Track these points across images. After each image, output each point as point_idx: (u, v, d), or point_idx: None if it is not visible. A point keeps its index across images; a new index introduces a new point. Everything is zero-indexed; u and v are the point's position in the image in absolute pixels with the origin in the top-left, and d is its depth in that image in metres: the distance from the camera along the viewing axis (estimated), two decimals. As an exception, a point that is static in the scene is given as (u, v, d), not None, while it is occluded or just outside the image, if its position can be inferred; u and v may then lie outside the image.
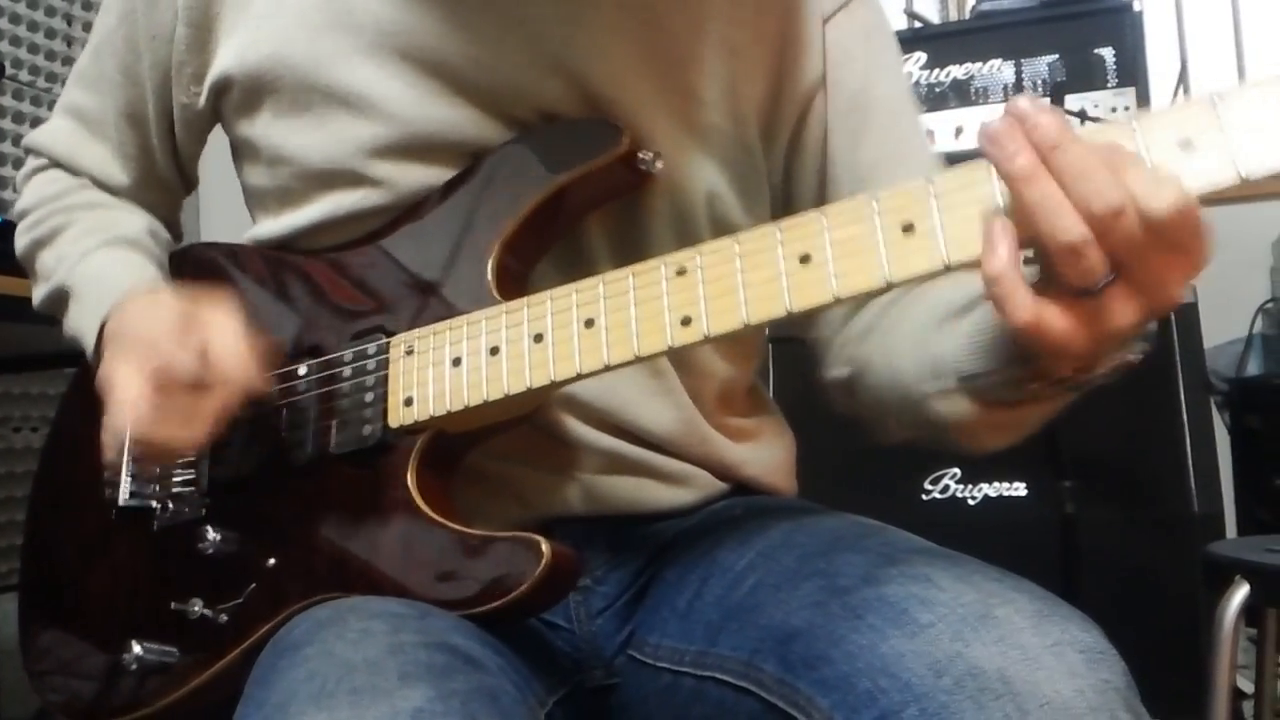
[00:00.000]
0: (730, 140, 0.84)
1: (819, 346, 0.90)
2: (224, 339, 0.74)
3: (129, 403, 0.72)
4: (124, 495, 0.84)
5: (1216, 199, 0.55)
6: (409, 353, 0.75)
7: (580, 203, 0.79)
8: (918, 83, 2.09)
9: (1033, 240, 0.55)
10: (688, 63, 0.81)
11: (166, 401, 0.72)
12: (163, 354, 0.73)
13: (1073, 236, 0.53)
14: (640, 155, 0.77)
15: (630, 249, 0.80)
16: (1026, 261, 0.57)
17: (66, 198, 0.94)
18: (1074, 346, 0.56)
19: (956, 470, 1.87)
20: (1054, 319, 0.55)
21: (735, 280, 0.63)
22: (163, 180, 0.96)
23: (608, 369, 0.67)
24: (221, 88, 0.86)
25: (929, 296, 0.79)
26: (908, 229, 0.59)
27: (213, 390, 0.73)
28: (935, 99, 2.08)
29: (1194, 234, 0.54)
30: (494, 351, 0.71)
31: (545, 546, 0.67)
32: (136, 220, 0.93)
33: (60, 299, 0.88)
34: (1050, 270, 0.56)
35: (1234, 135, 0.53)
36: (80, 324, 0.86)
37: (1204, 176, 0.54)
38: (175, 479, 0.83)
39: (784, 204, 0.88)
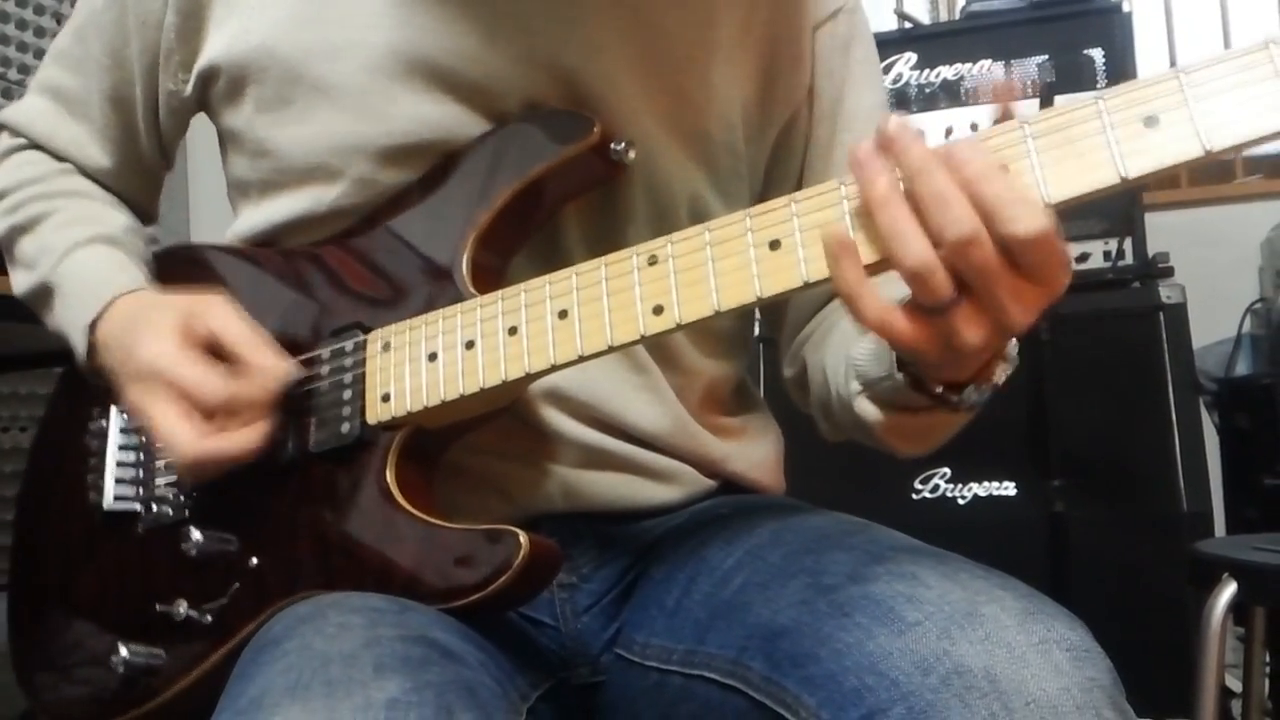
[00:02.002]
0: (716, 143, 0.84)
1: (782, 347, 0.93)
2: (232, 328, 0.75)
3: (181, 443, 0.73)
4: (109, 498, 0.83)
5: (1204, 200, 0.55)
6: (386, 349, 0.75)
7: (554, 194, 0.79)
8: (908, 83, 2.10)
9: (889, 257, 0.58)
10: (678, 64, 0.81)
11: (208, 422, 0.73)
12: (187, 381, 0.73)
13: (915, 261, 0.56)
14: (612, 145, 0.77)
15: (610, 247, 0.80)
16: None
17: (47, 182, 0.93)
18: (924, 354, 0.60)
19: (946, 470, 1.88)
20: (901, 325, 0.59)
21: (706, 268, 0.64)
22: (144, 162, 0.95)
23: (582, 359, 0.68)
24: (208, 77, 0.85)
25: None
26: (856, 222, 0.60)
27: (248, 381, 0.73)
28: (925, 99, 2.09)
29: (1050, 262, 0.56)
30: (469, 345, 0.71)
31: (523, 538, 0.67)
32: (119, 215, 0.93)
33: (44, 295, 0.88)
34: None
35: (1198, 109, 0.54)
36: (65, 325, 0.85)
37: (1169, 152, 0.54)
38: (159, 481, 0.83)
39: None
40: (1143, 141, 0.54)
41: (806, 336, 0.89)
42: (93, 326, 0.82)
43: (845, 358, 0.77)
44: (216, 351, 0.75)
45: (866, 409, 0.75)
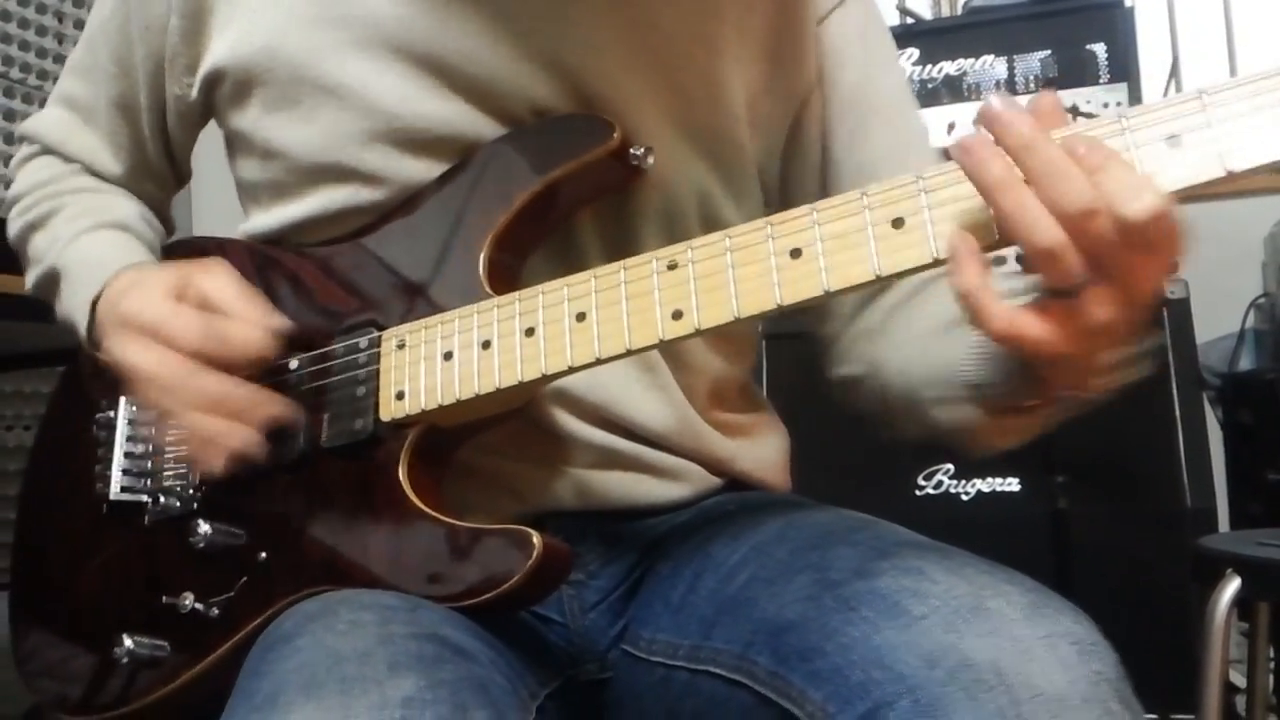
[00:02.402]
0: (721, 139, 0.84)
1: (827, 343, 0.91)
2: (224, 289, 0.75)
3: (162, 378, 0.73)
4: (115, 489, 0.83)
5: (1207, 194, 0.55)
6: (400, 347, 0.75)
7: (572, 197, 0.79)
8: (910, 79, 2.10)
9: (1011, 243, 0.56)
10: (680, 61, 0.81)
11: (195, 381, 0.73)
12: (159, 321, 0.74)
13: (1048, 241, 0.54)
14: (632, 150, 0.77)
15: (621, 245, 0.80)
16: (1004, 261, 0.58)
17: (59, 183, 0.94)
18: (1054, 348, 0.57)
19: (950, 466, 1.88)
20: (1029, 325, 0.57)
21: (726, 275, 0.64)
22: (154, 171, 0.96)
23: (599, 362, 0.68)
24: (214, 80, 0.85)
25: (937, 300, 0.80)
26: (897, 223, 0.60)
27: (230, 328, 0.74)
28: (928, 95, 2.09)
29: (1169, 234, 0.55)
30: (485, 345, 0.71)
31: (536, 539, 0.67)
32: (129, 205, 0.93)
33: (52, 281, 0.89)
34: (1029, 271, 0.57)
35: (1221, 131, 0.54)
36: (71, 305, 0.86)
37: (1191, 171, 0.54)
38: (167, 472, 0.83)
39: (783, 206, 0.88)
40: (1165, 161, 0.55)
41: (863, 332, 0.87)
42: (95, 304, 0.82)
43: (936, 363, 0.74)
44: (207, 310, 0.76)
45: (964, 413, 0.72)
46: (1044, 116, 0.56)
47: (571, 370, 0.68)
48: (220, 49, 0.84)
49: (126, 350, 0.75)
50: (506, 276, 0.76)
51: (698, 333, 0.64)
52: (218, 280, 0.76)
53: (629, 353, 0.67)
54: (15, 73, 1.99)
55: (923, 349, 0.77)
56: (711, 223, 0.83)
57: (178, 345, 0.73)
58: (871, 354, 0.84)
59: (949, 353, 0.73)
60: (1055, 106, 0.57)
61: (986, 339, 0.64)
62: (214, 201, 1.28)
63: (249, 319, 0.74)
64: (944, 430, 0.75)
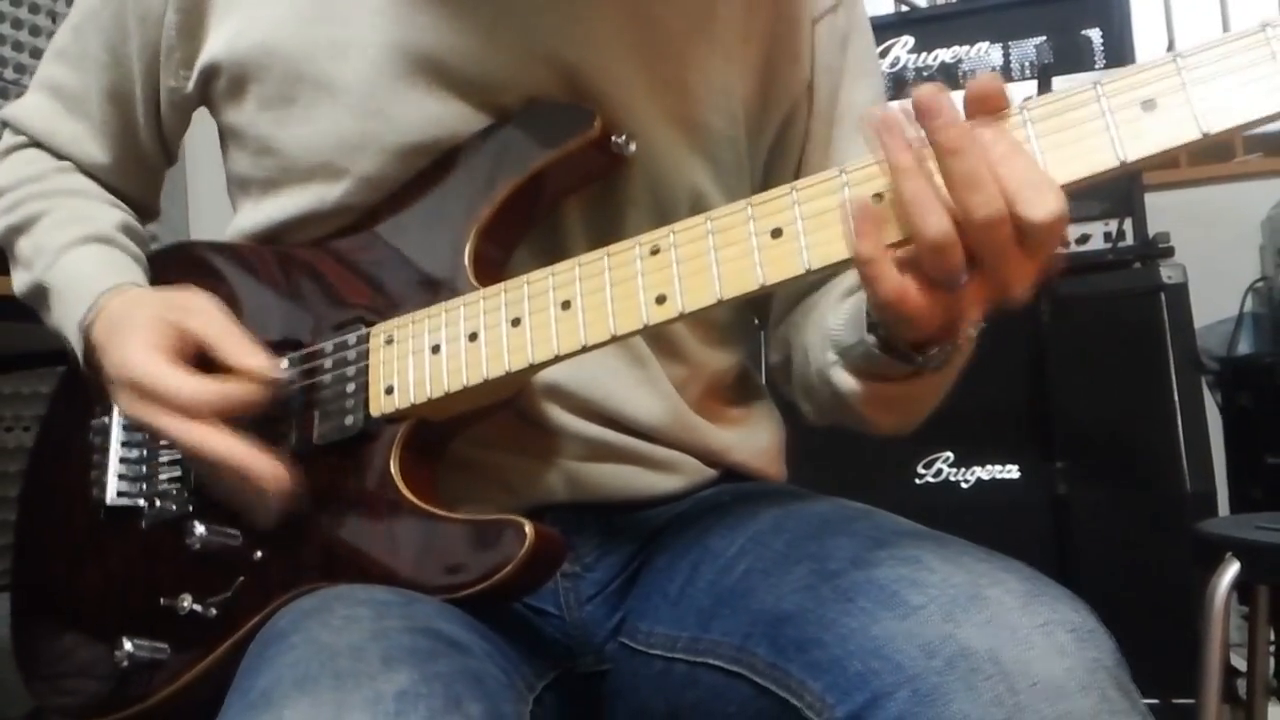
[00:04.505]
0: (717, 136, 0.84)
1: (766, 334, 0.94)
2: (212, 329, 0.75)
3: (187, 441, 0.72)
4: (111, 494, 0.83)
5: (1205, 179, 0.55)
6: (389, 342, 0.75)
7: (555, 187, 0.79)
8: (905, 66, 2.09)
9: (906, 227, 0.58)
10: (679, 58, 0.81)
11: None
12: (169, 392, 0.73)
13: (939, 234, 0.56)
14: (613, 138, 0.77)
15: (610, 240, 0.79)
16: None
17: (44, 181, 0.93)
18: (927, 323, 0.60)
19: (949, 454, 1.88)
20: (915, 298, 0.58)
21: (709, 257, 0.64)
22: (144, 158, 0.95)
23: (585, 349, 0.68)
24: (209, 75, 0.85)
25: (840, 281, 0.82)
26: (877, 198, 0.60)
27: (234, 383, 0.73)
28: (923, 83, 2.08)
29: (1056, 237, 0.56)
30: (473, 337, 0.71)
31: (529, 528, 0.67)
32: (114, 214, 0.92)
33: (41, 295, 0.88)
34: (917, 258, 0.58)
35: (1196, 92, 0.54)
36: (61, 325, 0.85)
37: (1167, 135, 0.54)
38: (162, 476, 0.83)
39: None
40: (1141, 125, 0.55)
41: (791, 322, 0.90)
42: (87, 329, 0.82)
43: (822, 329, 0.77)
44: (201, 353, 0.75)
45: (843, 379, 0.75)
46: (985, 101, 0.57)
47: (558, 358, 0.68)
48: (217, 44, 0.84)
49: (147, 416, 0.74)
50: (492, 269, 0.76)
51: (682, 316, 0.65)
52: (205, 322, 0.76)
53: (614, 339, 0.67)
54: (9, 73, 1.98)
55: (823, 316, 0.79)
56: None
57: (191, 412, 0.72)
58: (796, 338, 0.87)
59: (832, 319, 0.75)
60: (994, 91, 0.57)
61: (858, 304, 0.68)
62: (210, 197, 1.28)
63: (248, 367, 0.74)
64: (840, 403, 0.77)
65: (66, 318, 0.84)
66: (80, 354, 0.83)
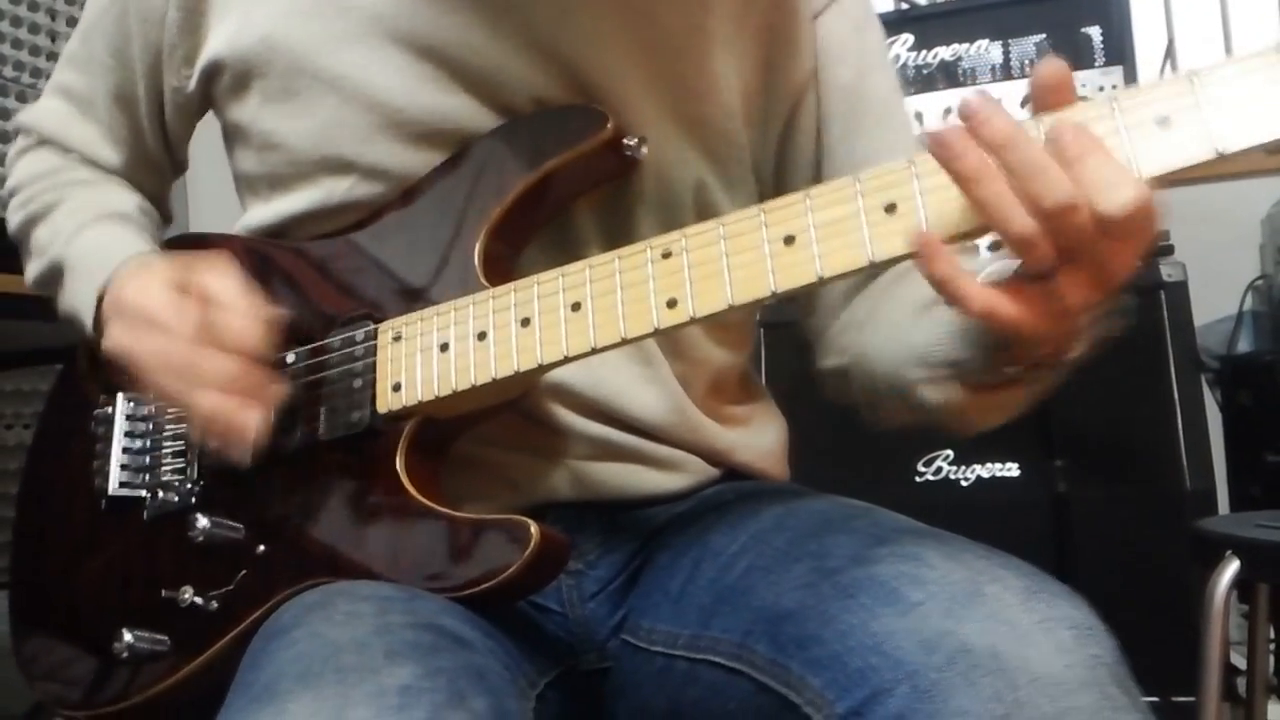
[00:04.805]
0: (718, 131, 0.84)
1: (814, 336, 0.91)
2: (223, 285, 0.75)
3: (167, 362, 0.73)
4: (114, 484, 0.84)
5: (1204, 177, 0.55)
6: (397, 339, 0.75)
7: (566, 188, 0.79)
8: (905, 64, 2.09)
9: (990, 230, 0.57)
10: (679, 53, 0.81)
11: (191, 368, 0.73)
12: (159, 311, 0.74)
13: (1024, 229, 0.55)
14: (626, 141, 0.77)
15: (617, 236, 0.80)
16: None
17: (58, 175, 0.94)
18: (1030, 328, 0.59)
19: (949, 452, 1.88)
20: (1005, 306, 0.58)
21: (720, 263, 0.64)
22: (152, 162, 0.96)
23: (595, 351, 0.68)
24: (212, 71, 0.85)
25: (917, 284, 0.79)
26: (890, 209, 0.60)
27: (222, 326, 0.73)
28: (923, 80, 2.08)
29: (1146, 222, 0.55)
30: (481, 336, 0.71)
31: (534, 529, 0.67)
32: (129, 196, 0.94)
33: (55, 275, 0.89)
34: (1007, 253, 0.58)
35: (1211, 111, 0.54)
36: (76, 299, 0.86)
37: (1182, 153, 0.54)
38: (165, 466, 0.83)
39: (778, 196, 0.88)
40: (1155, 142, 0.55)
41: (849, 324, 0.87)
42: (101, 298, 0.82)
43: (914, 344, 0.75)
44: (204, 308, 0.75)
45: (945, 392, 0.73)
46: (1051, 91, 0.57)
47: (567, 360, 0.68)
48: (218, 40, 0.84)
49: (125, 338, 0.76)
50: (502, 268, 0.76)
51: (693, 321, 0.64)
52: (219, 275, 0.76)
53: (624, 341, 0.67)
54: (9, 70, 1.98)
55: (903, 332, 0.77)
56: (706, 212, 0.83)
57: (175, 333, 0.73)
58: (859, 343, 0.85)
59: (928, 333, 0.74)
60: (1061, 79, 0.57)
61: (962, 317, 0.65)
62: (211, 195, 1.28)
63: (247, 313, 0.74)
64: (931, 412, 0.75)
65: (81, 292, 0.84)
66: (89, 324, 0.83)
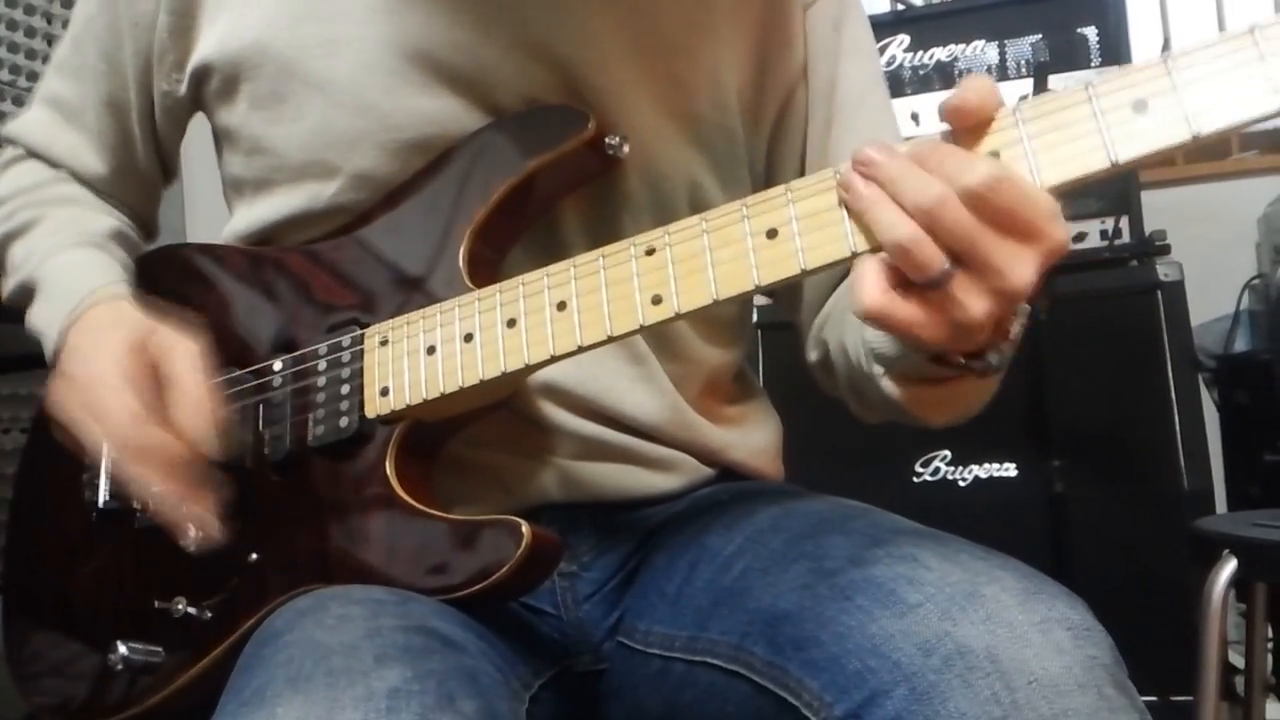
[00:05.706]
0: (713, 127, 0.84)
1: (801, 330, 0.92)
2: (183, 365, 0.73)
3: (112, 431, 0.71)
4: (103, 497, 0.83)
5: (1202, 176, 0.55)
6: (384, 343, 0.75)
7: (550, 188, 0.79)
8: (901, 65, 2.09)
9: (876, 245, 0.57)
10: (673, 50, 0.81)
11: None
12: (107, 411, 0.72)
13: (901, 234, 0.55)
14: (607, 139, 0.77)
15: (609, 237, 0.79)
16: None
17: (41, 190, 0.93)
18: (928, 335, 0.58)
19: (946, 452, 1.88)
20: (899, 309, 0.57)
21: (704, 258, 0.64)
22: (141, 170, 0.95)
23: (581, 350, 0.68)
24: (202, 75, 0.85)
25: None
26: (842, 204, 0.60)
27: (168, 433, 0.71)
28: (919, 81, 2.08)
29: (1034, 215, 0.54)
30: (468, 338, 0.71)
31: (525, 529, 0.67)
32: (107, 221, 0.92)
33: (26, 294, 0.88)
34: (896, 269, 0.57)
35: (1186, 94, 0.54)
36: (41, 322, 0.85)
37: (1159, 136, 0.54)
38: None
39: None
40: (1132, 127, 0.55)
41: (825, 317, 0.88)
42: (67, 329, 0.81)
43: (861, 340, 0.76)
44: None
45: (890, 387, 0.73)
46: (960, 115, 0.57)
47: (554, 359, 0.68)
48: (208, 44, 0.84)
49: (69, 407, 0.74)
50: (487, 269, 0.76)
51: (678, 316, 0.64)
52: (182, 351, 0.74)
53: (610, 339, 0.67)
54: (5, 74, 1.98)
55: (856, 325, 0.78)
56: (700, 211, 0.82)
57: (113, 422, 0.71)
58: (834, 336, 0.85)
59: (869, 330, 0.73)
60: (986, 94, 0.57)
61: None
62: (206, 201, 1.28)
63: (200, 403, 0.72)
64: (892, 405, 0.75)
65: (48, 316, 0.83)
66: (50, 353, 0.82)
